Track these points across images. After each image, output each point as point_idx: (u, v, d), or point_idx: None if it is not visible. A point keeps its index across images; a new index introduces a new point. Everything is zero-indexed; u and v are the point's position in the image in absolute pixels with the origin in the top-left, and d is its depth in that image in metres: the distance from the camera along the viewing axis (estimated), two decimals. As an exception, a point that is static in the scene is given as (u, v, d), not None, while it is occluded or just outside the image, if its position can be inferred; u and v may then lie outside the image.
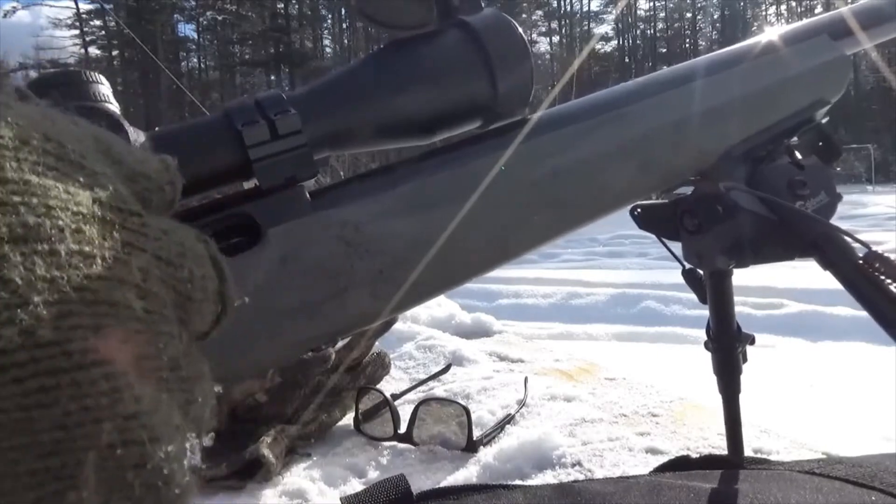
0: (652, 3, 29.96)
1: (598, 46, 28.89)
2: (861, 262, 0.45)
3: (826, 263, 0.47)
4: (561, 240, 0.43)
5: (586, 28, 30.32)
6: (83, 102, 0.30)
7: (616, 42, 30.35)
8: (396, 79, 0.36)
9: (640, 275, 5.52)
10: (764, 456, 0.78)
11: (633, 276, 5.45)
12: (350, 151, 0.38)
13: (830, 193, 0.50)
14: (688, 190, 0.50)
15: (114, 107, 0.31)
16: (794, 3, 28.29)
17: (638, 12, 30.14)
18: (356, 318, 0.35)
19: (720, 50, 0.50)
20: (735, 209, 0.47)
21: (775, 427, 0.97)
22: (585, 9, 31.27)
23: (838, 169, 0.53)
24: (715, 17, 29.61)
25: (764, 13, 29.33)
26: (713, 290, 0.58)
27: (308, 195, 0.35)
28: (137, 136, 0.31)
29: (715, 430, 0.98)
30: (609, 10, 30.33)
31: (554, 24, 30.62)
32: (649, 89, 0.45)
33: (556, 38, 30.67)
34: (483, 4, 0.39)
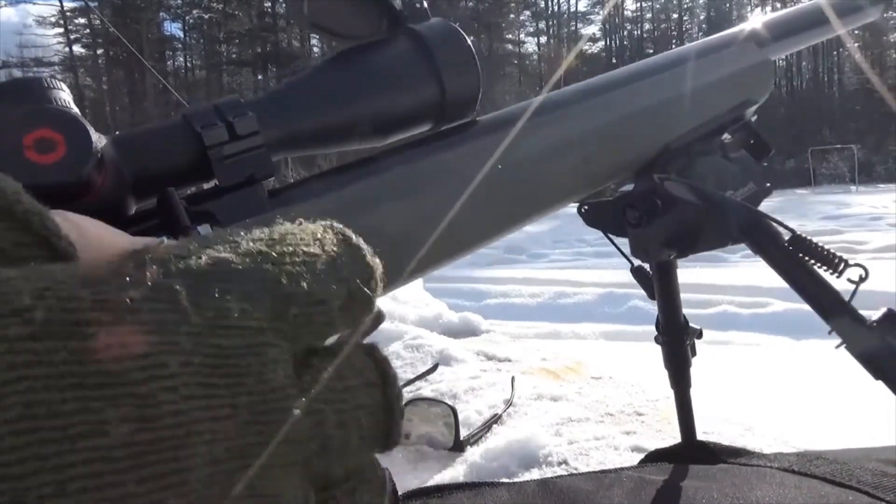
0: (639, 4, 30.12)
1: (586, 47, 29.01)
2: (787, 245, 0.48)
3: (757, 248, 0.50)
4: (515, 232, 0.45)
5: (574, 29, 30.42)
6: (44, 105, 0.31)
7: (603, 43, 30.47)
8: (350, 84, 0.39)
9: (628, 274, 5.54)
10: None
11: (620, 276, 5.48)
12: (307, 153, 0.40)
13: (758, 184, 0.54)
14: (630, 188, 0.53)
15: (74, 111, 0.32)
16: (778, 4, 28.53)
17: (625, 13, 30.28)
18: None
19: (657, 55, 0.54)
20: (671, 200, 0.50)
21: (758, 425, 0.98)
22: (573, 9, 31.38)
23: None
24: (701, 18, 29.81)
25: (749, 15, 29.54)
26: (659, 283, 0.60)
27: (267, 193, 0.36)
28: (100, 139, 0.32)
29: (700, 428, 0.99)
30: (596, 10, 30.44)
31: (542, 25, 30.69)
32: (591, 91, 0.48)
33: (543, 39, 30.76)
34: (430, 14, 0.41)
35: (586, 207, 0.56)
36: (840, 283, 0.48)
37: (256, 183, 0.36)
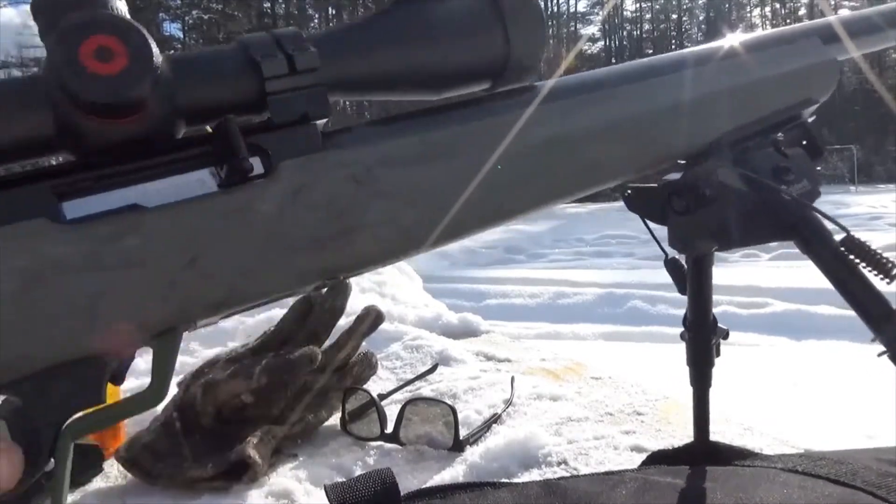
0: (638, 5, 30.11)
1: (585, 47, 29.00)
2: (839, 247, 0.46)
3: (805, 247, 0.48)
4: (557, 206, 0.44)
5: (573, 29, 30.41)
6: (104, 11, 0.30)
7: (603, 43, 30.47)
8: (412, 30, 0.37)
9: (627, 274, 5.55)
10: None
11: (619, 276, 5.48)
12: (359, 98, 0.39)
13: (812, 183, 0.52)
14: (677, 176, 0.52)
15: (125, 15, 0.31)
16: (777, 6, 28.53)
17: (624, 13, 30.27)
18: (360, 258, 0.36)
19: (716, 41, 0.52)
20: (723, 189, 0.48)
21: (759, 425, 0.97)
22: (573, 10, 31.37)
23: (819, 168, 0.55)
24: (701, 18, 29.81)
25: (749, 15, 29.56)
26: (694, 277, 0.59)
27: (320, 134, 0.35)
28: (157, 55, 0.31)
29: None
30: (596, 11, 30.44)
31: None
32: (653, 71, 0.46)
33: (542, 39, 30.62)
34: None
35: (630, 191, 0.55)
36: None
37: (309, 122, 0.35)
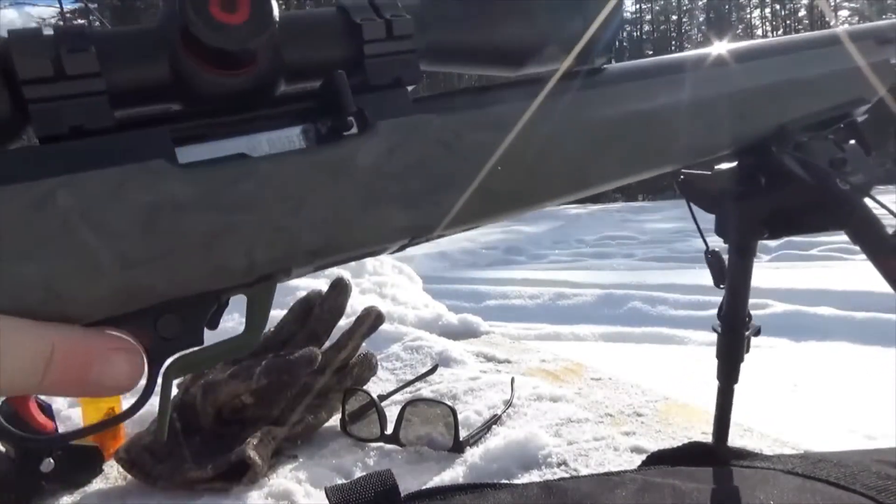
0: (638, 6, 30.13)
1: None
2: (892, 239, 0.47)
3: (856, 238, 0.49)
4: (632, 180, 0.46)
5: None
6: None
7: (602, 44, 30.39)
8: (500, 6, 0.39)
9: (627, 275, 5.55)
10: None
11: (619, 277, 5.48)
12: (443, 69, 0.41)
13: (868, 176, 0.53)
14: (730, 165, 0.53)
15: None
16: (777, 7, 28.54)
17: (624, 14, 30.23)
18: (449, 218, 0.37)
19: (781, 37, 0.55)
20: (782, 175, 0.50)
21: (758, 426, 0.97)
22: (572, 11, 31.28)
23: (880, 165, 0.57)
24: (701, 19, 29.81)
25: (749, 16, 29.57)
26: (734, 268, 0.60)
27: (411, 99, 0.37)
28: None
29: (699, 429, 0.99)
30: (595, 12, 30.35)
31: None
32: (727, 59, 0.48)
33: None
34: None
35: (683, 176, 0.56)
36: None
37: (402, 86, 0.36)
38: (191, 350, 0.32)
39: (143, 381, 0.31)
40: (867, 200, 0.51)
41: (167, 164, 0.31)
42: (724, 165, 0.54)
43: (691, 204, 0.57)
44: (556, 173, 0.41)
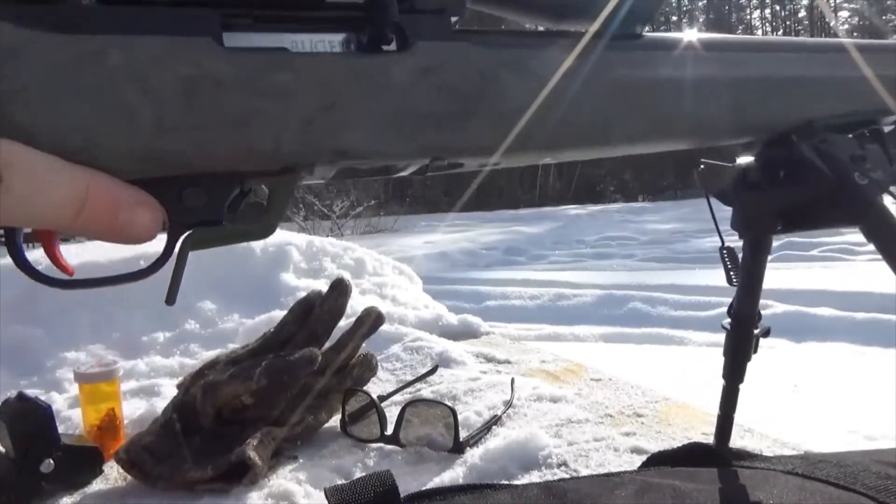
0: (638, 6, 30.10)
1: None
2: None
3: (870, 234, 0.49)
4: (654, 149, 0.48)
5: (573, 30, 30.37)
6: None
7: (602, 44, 30.42)
8: None
9: (627, 276, 5.55)
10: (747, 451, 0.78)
11: (619, 278, 5.48)
12: (487, 9, 0.43)
13: (886, 175, 0.53)
14: (750, 160, 0.54)
15: None
16: (777, 7, 28.54)
17: (624, 15, 30.20)
18: (473, 143, 0.39)
19: (825, 38, 0.56)
20: (801, 167, 0.50)
21: (758, 426, 0.97)
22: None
23: None
24: (701, 20, 29.81)
25: (749, 17, 29.58)
26: (748, 264, 0.59)
27: (454, 27, 0.39)
28: None
29: (699, 429, 0.99)
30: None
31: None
32: (764, 46, 0.50)
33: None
34: None
35: (703, 166, 0.57)
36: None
37: (446, 14, 0.38)
38: (208, 228, 0.34)
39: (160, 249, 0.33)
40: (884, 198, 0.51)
41: (213, 44, 0.32)
42: (745, 158, 0.55)
43: (709, 196, 0.58)
44: (583, 125, 0.42)
